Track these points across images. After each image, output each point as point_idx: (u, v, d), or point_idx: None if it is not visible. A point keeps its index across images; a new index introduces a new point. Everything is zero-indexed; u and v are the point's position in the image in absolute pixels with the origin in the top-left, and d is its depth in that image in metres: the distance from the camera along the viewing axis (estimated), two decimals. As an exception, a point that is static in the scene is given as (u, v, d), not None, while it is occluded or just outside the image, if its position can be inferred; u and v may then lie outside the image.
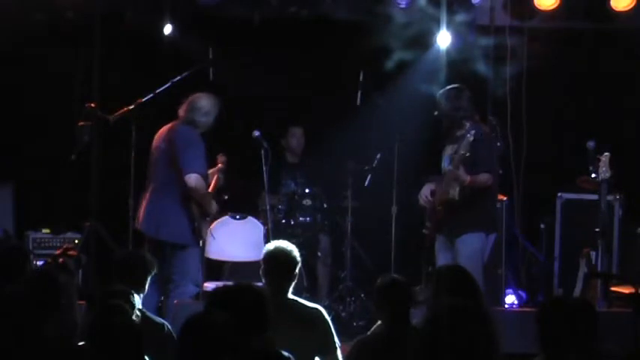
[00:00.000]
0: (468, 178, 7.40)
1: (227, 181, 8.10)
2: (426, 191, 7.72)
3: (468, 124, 7.53)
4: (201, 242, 7.62)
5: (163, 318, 6.20)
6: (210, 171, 7.92)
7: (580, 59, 9.43)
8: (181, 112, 7.71)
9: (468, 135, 7.28)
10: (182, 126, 7.65)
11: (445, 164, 7.66)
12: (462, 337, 3.72)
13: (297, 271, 5.69)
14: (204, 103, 7.72)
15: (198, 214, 7.55)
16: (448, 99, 7.65)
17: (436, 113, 7.72)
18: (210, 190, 7.73)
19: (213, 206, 7.69)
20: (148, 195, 7.64)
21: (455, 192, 7.47)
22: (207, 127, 7.74)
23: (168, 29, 9.26)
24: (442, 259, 7.60)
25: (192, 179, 7.45)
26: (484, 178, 7.51)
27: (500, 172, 8.23)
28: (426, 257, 7.85)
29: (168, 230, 7.51)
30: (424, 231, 7.77)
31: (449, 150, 7.67)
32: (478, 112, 7.78)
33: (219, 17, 9.31)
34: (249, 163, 8.54)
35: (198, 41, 9.14)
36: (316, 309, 5.67)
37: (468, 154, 7.30)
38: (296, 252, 5.73)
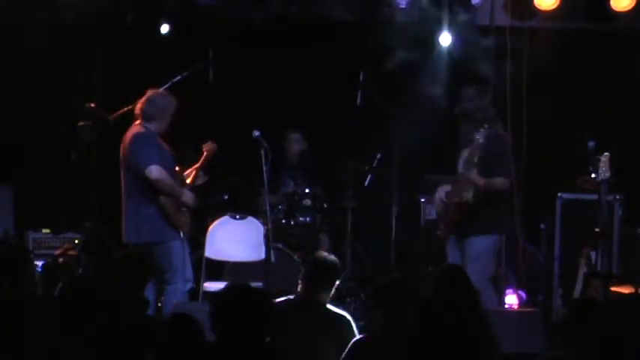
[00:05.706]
0: (482, 182, 7.39)
1: (212, 172, 8.00)
2: (440, 194, 7.69)
3: (484, 127, 7.52)
4: (182, 234, 7.57)
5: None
6: (188, 170, 7.88)
7: (580, 59, 9.42)
8: (137, 110, 7.66)
9: (478, 137, 7.29)
10: (135, 128, 7.59)
11: (460, 167, 7.65)
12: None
13: (336, 284, 5.96)
14: (156, 95, 7.65)
15: (173, 208, 7.50)
16: (471, 98, 7.62)
17: (457, 110, 7.67)
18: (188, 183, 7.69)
19: (187, 195, 7.58)
20: (123, 206, 7.63)
21: (469, 195, 7.44)
22: (164, 123, 7.60)
23: (167, 29, 9.27)
24: (451, 259, 7.60)
25: (153, 171, 7.36)
26: (499, 182, 7.49)
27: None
28: (437, 260, 7.85)
29: (147, 230, 7.48)
30: (438, 232, 7.76)
31: (465, 153, 7.64)
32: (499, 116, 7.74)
33: (219, 17, 9.31)
34: (249, 163, 8.53)
35: (198, 41, 9.15)
36: (345, 317, 5.86)
37: (476, 158, 7.29)
38: (339, 266, 6.04)
